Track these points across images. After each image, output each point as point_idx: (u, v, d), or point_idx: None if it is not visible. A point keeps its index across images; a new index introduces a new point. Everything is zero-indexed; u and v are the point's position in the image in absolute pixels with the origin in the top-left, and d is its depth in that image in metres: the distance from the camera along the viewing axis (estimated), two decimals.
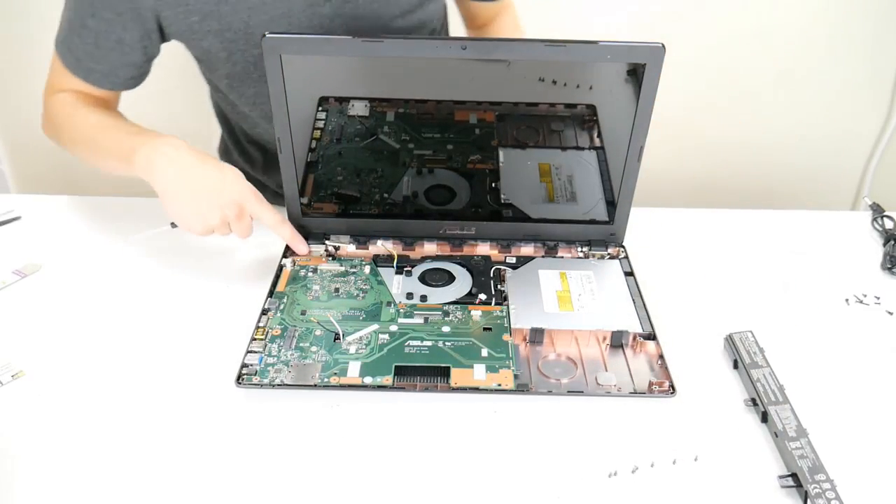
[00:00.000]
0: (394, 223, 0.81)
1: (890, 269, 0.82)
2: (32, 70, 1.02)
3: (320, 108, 0.77)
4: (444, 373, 0.65)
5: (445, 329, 0.69)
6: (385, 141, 0.79)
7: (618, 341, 0.69)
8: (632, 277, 0.77)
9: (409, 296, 0.74)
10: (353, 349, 0.67)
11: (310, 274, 0.77)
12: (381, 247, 0.81)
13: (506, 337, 0.69)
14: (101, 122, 0.81)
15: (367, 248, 0.81)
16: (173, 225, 0.77)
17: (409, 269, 0.78)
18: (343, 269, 0.78)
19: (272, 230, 0.77)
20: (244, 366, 0.65)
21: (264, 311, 0.72)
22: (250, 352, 0.67)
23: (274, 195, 0.93)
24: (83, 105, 0.84)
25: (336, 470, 0.57)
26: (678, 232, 0.88)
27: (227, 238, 0.75)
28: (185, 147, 0.74)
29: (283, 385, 0.63)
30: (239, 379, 0.64)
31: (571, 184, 0.81)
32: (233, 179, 0.74)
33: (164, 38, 0.83)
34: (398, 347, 0.67)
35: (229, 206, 0.73)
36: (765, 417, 0.61)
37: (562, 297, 0.73)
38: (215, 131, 1.07)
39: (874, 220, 0.90)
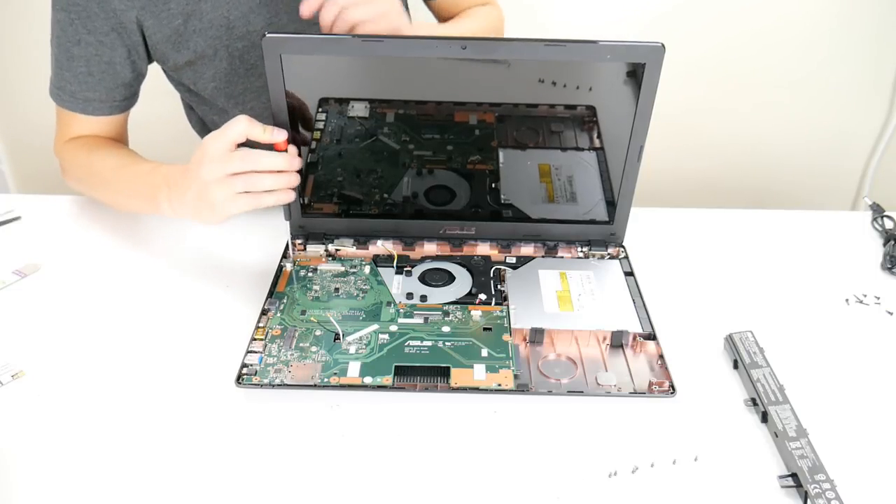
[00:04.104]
0: (394, 223, 0.81)
1: (890, 269, 0.82)
2: (32, 70, 1.02)
3: (320, 109, 0.77)
4: (444, 373, 0.65)
5: (445, 329, 0.69)
6: (385, 142, 0.79)
7: (618, 341, 0.69)
8: (632, 277, 0.77)
9: (409, 296, 0.74)
10: (353, 349, 0.67)
11: (310, 274, 0.77)
12: (381, 247, 0.81)
13: (506, 337, 0.69)
14: (114, 166, 0.82)
15: (367, 249, 0.81)
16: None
17: (409, 269, 0.78)
18: (343, 269, 0.78)
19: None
20: (244, 366, 0.65)
21: (264, 311, 0.71)
22: (250, 352, 0.67)
23: None
24: (95, 149, 0.85)
25: (336, 470, 0.57)
26: (678, 232, 0.88)
27: (228, 237, 0.75)
28: (174, 173, 0.73)
29: (283, 385, 0.63)
30: (239, 379, 0.64)
31: (571, 184, 0.81)
32: (200, 155, 0.70)
33: (148, 55, 0.84)
34: (398, 347, 0.67)
35: (217, 163, 0.69)
36: (765, 417, 0.61)
37: (562, 297, 0.73)
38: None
39: (874, 220, 0.90)
